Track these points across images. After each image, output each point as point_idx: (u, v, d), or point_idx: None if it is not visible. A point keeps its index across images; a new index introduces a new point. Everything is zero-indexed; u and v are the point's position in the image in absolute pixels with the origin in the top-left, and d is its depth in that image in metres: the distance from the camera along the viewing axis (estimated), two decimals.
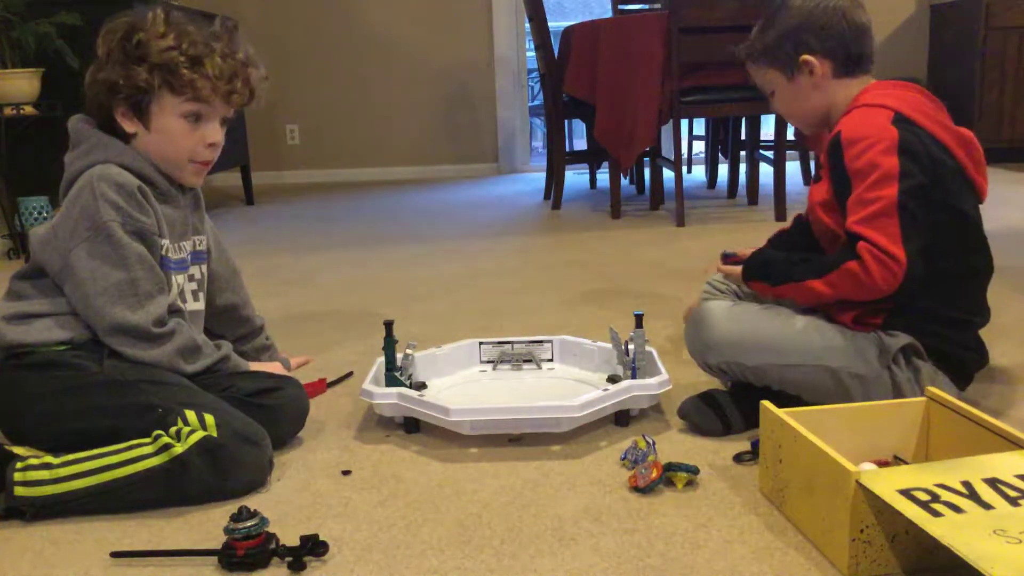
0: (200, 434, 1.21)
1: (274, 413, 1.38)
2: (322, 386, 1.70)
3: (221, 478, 1.22)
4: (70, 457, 1.22)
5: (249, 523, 1.06)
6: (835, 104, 1.43)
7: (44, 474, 1.20)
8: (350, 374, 1.78)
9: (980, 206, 1.40)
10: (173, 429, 1.22)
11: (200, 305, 1.48)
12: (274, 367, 1.57)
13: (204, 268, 1.49)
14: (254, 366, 1.49)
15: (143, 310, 1.30)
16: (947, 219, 1.33)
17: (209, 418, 1.23)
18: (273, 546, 1.08)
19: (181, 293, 1.42)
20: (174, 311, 1.36)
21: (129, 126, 1.34)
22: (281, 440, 1.41)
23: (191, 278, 1.45)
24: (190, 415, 1.23)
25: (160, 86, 1.31)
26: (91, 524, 1.19)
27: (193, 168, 1.39)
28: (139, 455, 1.21)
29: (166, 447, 1.21)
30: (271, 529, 1.10)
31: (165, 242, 1.36)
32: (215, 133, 1.37)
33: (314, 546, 1.08)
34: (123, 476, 1.20)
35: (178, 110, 1.33)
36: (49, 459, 1.22)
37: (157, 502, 1.22)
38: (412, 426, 1.47)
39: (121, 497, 1.20)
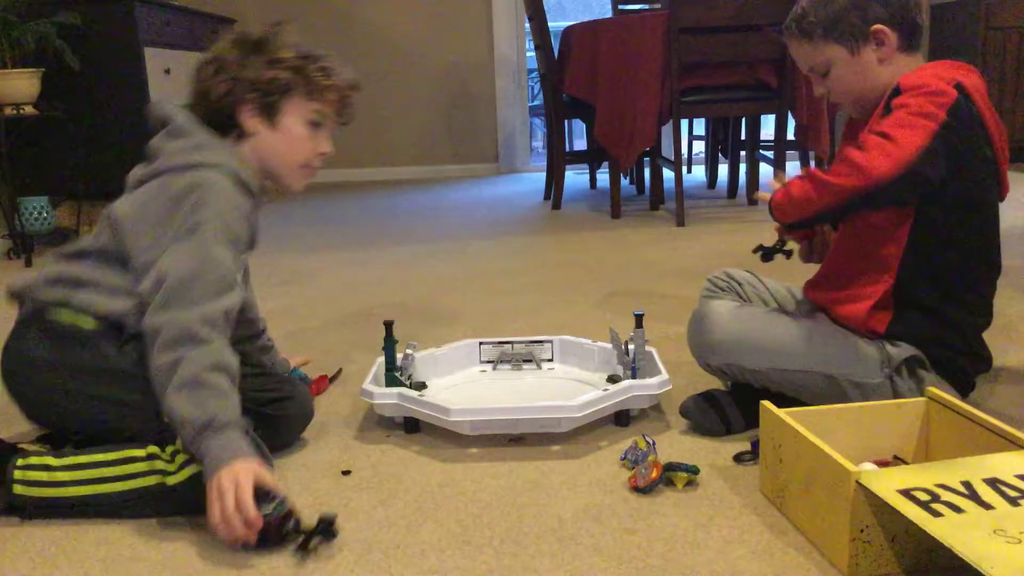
0: (196, 468, 1.16)
1: (283, 423, 1.41)
2: (324, 383, 1.71)
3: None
4: (69, 461, 1.21)
5: (269, 507, 1.09)
6: (892, 83, 1.33)
7: (43, 475, 1.20)
8: (340, 371, 1.79)
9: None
10: (170, 449, 1.19)
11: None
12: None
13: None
14: None
15: (220, 300, 1.23)
16: (972, 209, 1.31)
17: None
18: (291, 525, 1.10)
19: None
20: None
21: (251, 124, 1.36)
22: (285, 445, 1.42)
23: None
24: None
25: (296, 87, 1.36)
26: (91, 524, 1.19)
27: (301, 173, 1.42)
28: (133, 472, 1.19)
29: (160, 472, 1.19)
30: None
31: (247, 254, 1.37)
32: (328, 144, 1.42)
33: (326, 528, 1.10)
34: (116, 491, 1.19)
35: (305, 115, 1.38)
36: (49, 460, 1.21)
37: (149, 514, 1.20)
38: (412, 426, 1.47)
39: (115, 510, 1.21)
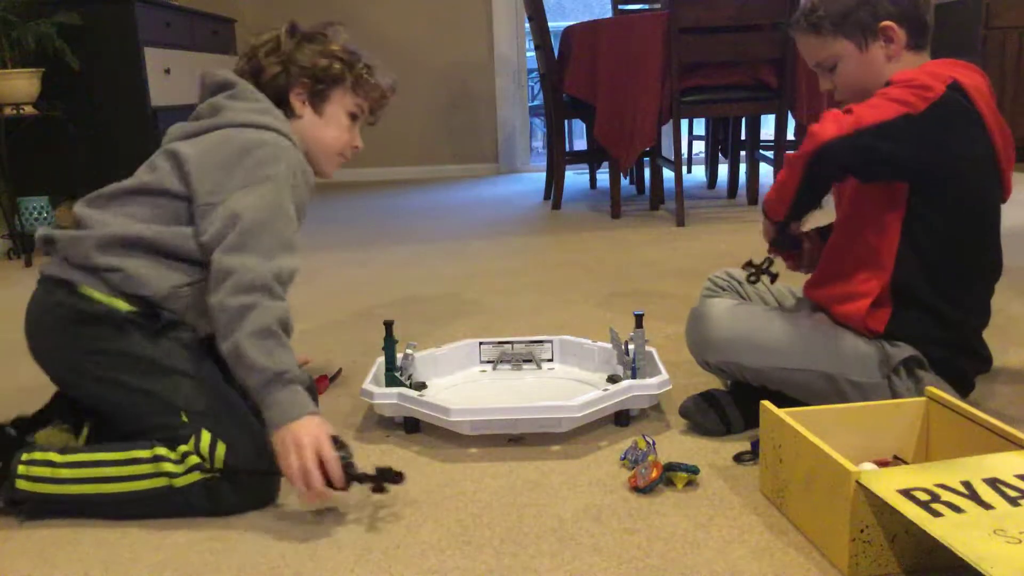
0: (203, 475, 1.18)
1: None
2: (324, 383, 1.71)
3: (220, 508, 1.20)
4: (73, 459, 1.21)
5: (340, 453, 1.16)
6: None
7: (46, 471, 1.20)
8: (340, 371, 1.79)
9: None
10: (182, 449, 1.18)
11: None
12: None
13: None
14: None
15: (289, 264, 1.24)
16: (967, 209, 1.31)
17: (221, 449, 1.18)
18: (354, 472, 1.17)
19: None
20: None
21: (300, 108, 1.41)
22: None
23: None
24: (204, 439, 1.19)
25: (348, 79, 1.43)
26: (91, 524, 1.19)
27: (336, 161, 1.48)
28: (138, 473, 1.19)
29: (167, 474, 1.18)
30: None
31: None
32: (360, 139, 1.49)
33: (393, 475, 1.18)
34: (119, 492, 1.19)
35: (348, 107, 1.44)
36: (53, 456, 1.21)
37: (152, 516, 1.20)
38: (412, 426, 1.47)
39: (117, 509, 1.21)
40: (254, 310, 1.17)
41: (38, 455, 1.21)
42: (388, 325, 1.57)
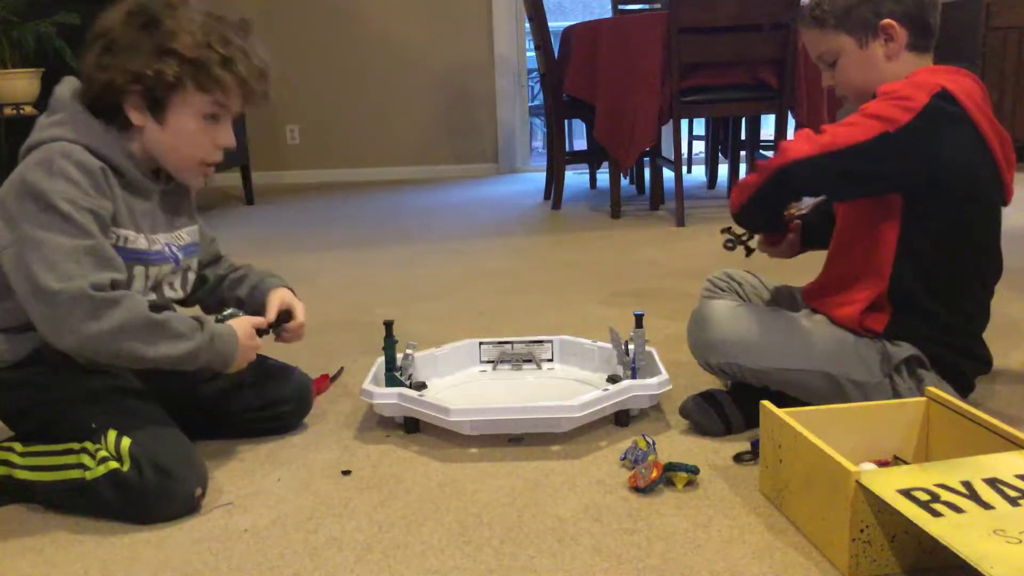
0: (111, 465, 1.18)
1: (281, 421, 1.49)
2: (325, 382, 1.71)
3: (138, 510, 1.19)
4: (29, 448, 1.25)
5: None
6: (898, 79, 1.34)
7: (9, 456, 1.25)
8: (341, 370, 1.79)
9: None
10: (94, 447, 1.20)
11: (180, 294, 1.40)
12: (278, 301, 1.46)
13: (193, 260, 1.43)
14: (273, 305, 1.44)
15: (82, 277, 1.14)
16: (968, 213, 1.31)
17: (125, 443, 1.18)
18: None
19: (159, 285, 1.35)
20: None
21: (137, 119, 1.25)
22: (287, 428, 1.50)
23: (182, 271, 1.39)
24: (110, 436, 1.19)
25: (189, 82, 1.23)
26: (91, 524, 1.19)
27: (197, 171, 1.34)
28: (64, 463, 1.22)
29: (82, 466, 1.20)
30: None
31: (127, 232, 1.26)
32: (228, 136, 1.32)
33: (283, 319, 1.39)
34: (49, 481, 1.22)
35: (199, 109, 1.26)
36: (16, 445, 1.26)
37: (76, 511, 1.22)
38: (412, 426, 1.47)
39: (54, 499, 1.23)
40: (121, 333, 1.15)
41: (5, 443, 1.27)
42: (388, 325, 1.57)
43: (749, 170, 3.79)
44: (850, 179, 1.28)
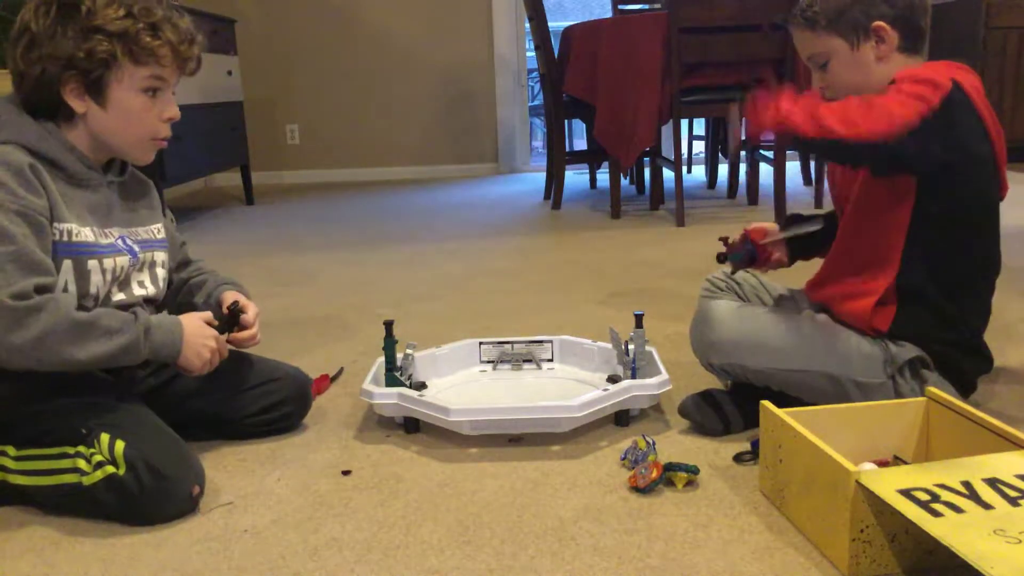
0: (108, 470, 1.17)
1: (282, 422, 1.49)
2: (325, 382, 1.71)
3: (137, 513, 1.19)
4: (23, 452, 1.24)
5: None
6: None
7: (7, 462, 1.24)
8: (341, 370, 1.79)
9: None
10: (90, 450, 1.19)
11: (152, 291, 1.37)
12: (229, 300, 1.43)
13: (159, 255, 1.40)
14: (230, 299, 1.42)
15: (2, 288, 1.12)
16: (971, 206, 1.31)
17: (119, 446, 1.17)
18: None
19: (127, 282, 1.33)
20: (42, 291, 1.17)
21: (79, 105, 1.22)
22: (288, 428, 1.50)
23: (141, 265, 1.35)
24: (103, 439, 1.18)
25: (122, 56, 1.20)
26: (91, 524, 1.19)
27: (149, 146, 1.30)
28: (59, 467, 1.20)
29: (79, 471, 1.19)
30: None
31: (69, 225, 1.23)
32: (173, 107, 1.29)
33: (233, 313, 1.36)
34: (45, 485, 1.21)
35: (138, 83, 1.23)
36: (9, 449, 1.25)
37: (73, 513, 1.21)
38: (412, 426, 1.47)
39: (52, 503, 1.22)
40: (45, 339, 1.13)
41: None
42: (388, 325, 1.57)
43: (751, 167, 3.79)
44: (904, 159, 1.24)
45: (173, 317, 1.30)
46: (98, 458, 1.18)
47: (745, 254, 1.52)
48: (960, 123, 1.26)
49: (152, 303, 1.39)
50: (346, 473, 1.33)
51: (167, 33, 1.23)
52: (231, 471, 1.35)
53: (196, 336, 1.29)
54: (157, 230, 1.41)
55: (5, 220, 1.15)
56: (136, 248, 1.34)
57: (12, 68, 1.23)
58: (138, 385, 1.39)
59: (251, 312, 1.43)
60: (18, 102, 1.25)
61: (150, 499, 1.18)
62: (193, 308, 1.44)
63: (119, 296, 1.31)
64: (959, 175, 1.28)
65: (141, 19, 1.21)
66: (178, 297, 1.50)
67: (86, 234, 1.25)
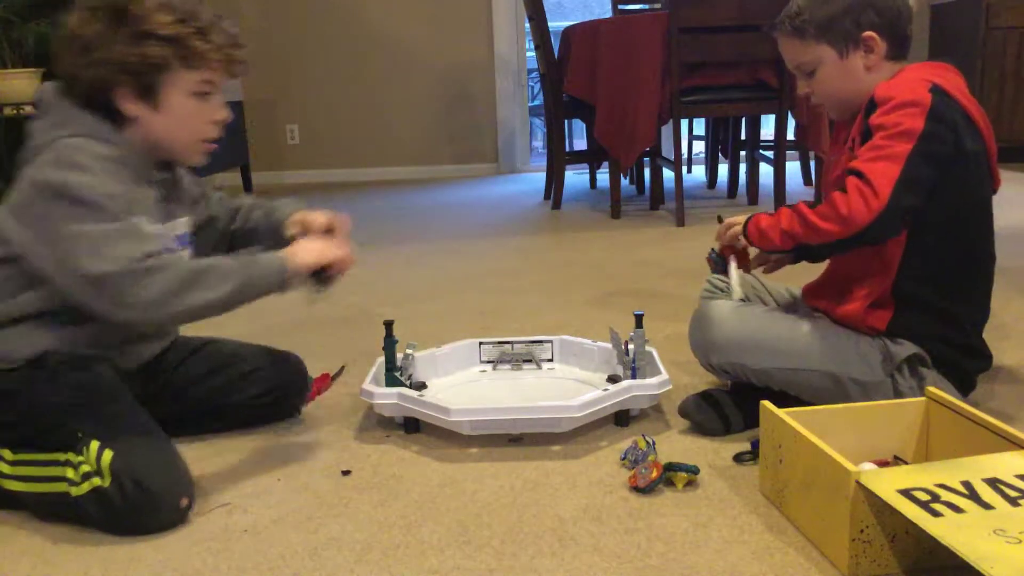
0: (95, 482, 1.16)
1: (280, 405, 1.52)
2: (326, 381, 1.71)
3: (123, 525, 1.17)
4: (18, 457, 1.24)
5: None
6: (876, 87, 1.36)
7: (3, 466, 1.23)
8: (343, 368, 1.80)
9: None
10: (79, 458, 1.18)
11: None
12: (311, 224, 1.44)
13: (187, 252, 1.41)
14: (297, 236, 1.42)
15: (124, 256, 1.17)
16: (966, 205, 1.32)
17: (106, 457, 1.16)
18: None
19: None
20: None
21: (131, 109, 1.25)
22: (287, 414, 1.54)
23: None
24: (92, 447, 1.17)
25: (175, 61, 1.23)
26: (91, 525, 1.19)
27: (199, 148, 1.33)
28: (51, 475, 1.20)
29: (67, 480, 1.18)
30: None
31: (139, 220, 1.25)
32: (222, 109, 1.32)
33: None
34: (36, 492, 1.21)
35: (190, 87, 1.26)
36: (5, 453, 1.24)
37: (70, 521, 1.20)
38: (412, 426, 1.47)
39: (41, 509, 1.22)
40: (185, 293, 1.18)
41: None
42: (388, 325, 1.57)
43: (751, 167, 3.79)
44: (908, 213, 1.27)
45: (263, 254, 1.30)
46: (85, 468, 1.17)
47: (720, 266, 1.52)
48: (947, 131, 1.26)
49: None
50: (346, 473, 1.33)
51: (216, 37, 1.25)
52: (231, 471, 1.35)
53: (296, 248, 1.31)
54: (188, 224, 1.42)
55: (106, 202, 1.19)
56: (175, 245, 1.36)
57: (62, 73, 1.24)
58: (148, 380, 1.38)
59: (320, 221, 1.41)
60: (72, 101, 1.25)
61: (135, 512, 1.16)
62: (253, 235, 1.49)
63: None
64: (952, 177, 1.28)
65: (191, 24, 1.23)
66: (238, 240, 1.50)
67: (157, 230, 1.28)
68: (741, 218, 1.43)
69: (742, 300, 1.46)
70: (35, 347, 1.26)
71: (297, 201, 1.49)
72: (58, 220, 1.18)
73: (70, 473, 1.18)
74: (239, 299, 1.23)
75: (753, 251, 1.49)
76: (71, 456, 1.19)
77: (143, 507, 1.16)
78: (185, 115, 1.27)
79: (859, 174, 1.25)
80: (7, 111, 3.13)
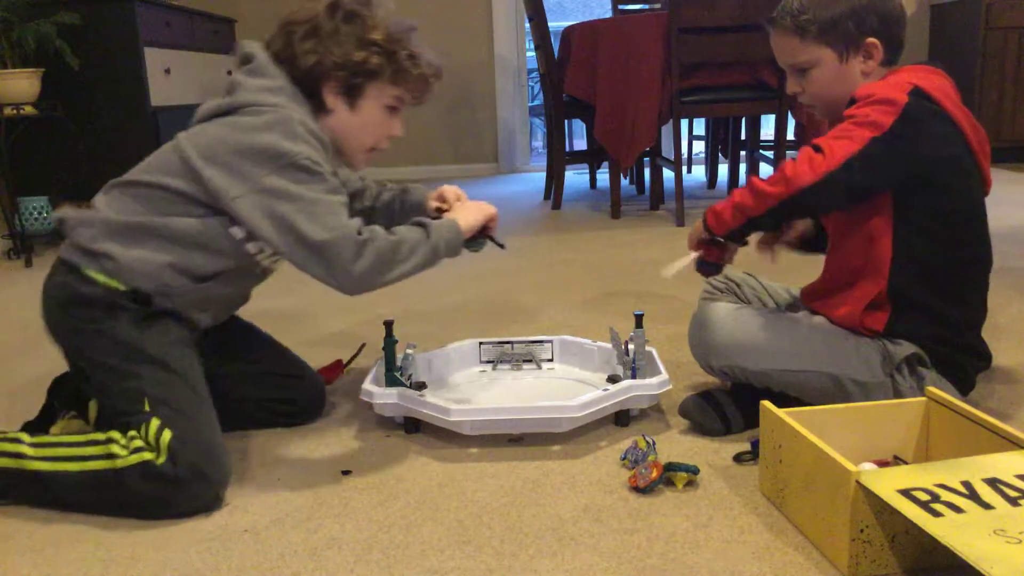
0: (146, 455, 1.18)
1: (295, 418, 1.52)
2: (339, 370, 1.72)
3: (162, 503, 1.19)
4: (38, 440, 1.25)
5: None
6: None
7: (10, 447, 1.24)
8: (363, 346, 1.84)
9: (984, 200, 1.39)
10: (131, 434, 1.20)
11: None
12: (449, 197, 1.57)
13: None
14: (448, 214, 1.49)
15: (344, 226, 1.25)
16: (956, 205, 1.31)
17: (166, 435, 1.18)
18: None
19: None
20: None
21: (331, 102, 1.34)
22: (305, 421, 1.54)
23: None
24: (153, 424, 1.19)
25: (386, 71, 1.33)
26: (91, 524, 1.19)
27: (368, 156, 1.43)
28: (89, 454, 1.21)
29: (112, 455, 1.19)
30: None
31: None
32: (400, 127, 1.42)
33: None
34: (72, 471, 1.21)
35: (386, 99, 1.36)
36: (23, 436, 1.25)
37: (92, 506, 1.21)
38: (412, 426, 1.47)
39: (71, 494, 1.22)
40: (393, 263, 1.27)
41: (10, 433, 1.26)
42: (388, 325, 1.57)
43: (751, 167, 3.80)
44: (853, 191, 1.28)
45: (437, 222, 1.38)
46: (137, 443, 1.19)
47: (712, 267, 1.51)
48: (922, 133, 1.27)
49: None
50: (346, 473, 1.33)
51: (422, 63, 1.37)
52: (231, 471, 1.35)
53: (456, 214, 1.41)
54: None
55: (327, 175, 1.27)
56: None
57: (283, 47, 1.33)
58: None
59: (455, 192, 1.55)
60: (287, 76, 1.32)
61: (181, 493, 1.19)
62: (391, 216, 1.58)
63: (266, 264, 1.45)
64: (932, 181, 1.29)
65: (404, 46, 1.35)
66: (375, 217, 1.56)
67: None
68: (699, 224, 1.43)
69: (666, 278, 1.50)
70: (152, 279, 1.28)
71: (416, 190, 1.62)
72: (273, 175, 1.23)
73: (114, 449, 1.19)
74: (425, 266, 1.32)
75: (744, 250, 1.49)
76: (113, 434, 1.21)
77: (190, 490, 1.19)
78: (372, 122, 1.38)
79: (816, 147, 1.27)
80: (7, 111, 3.13)
